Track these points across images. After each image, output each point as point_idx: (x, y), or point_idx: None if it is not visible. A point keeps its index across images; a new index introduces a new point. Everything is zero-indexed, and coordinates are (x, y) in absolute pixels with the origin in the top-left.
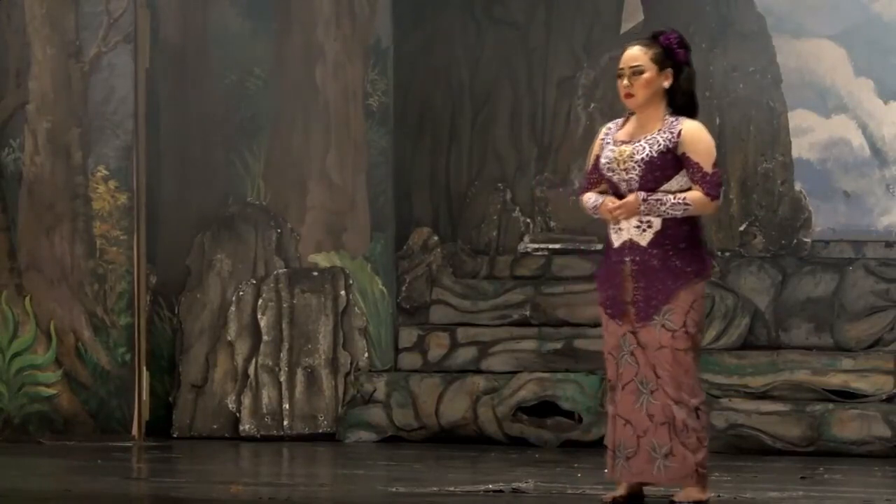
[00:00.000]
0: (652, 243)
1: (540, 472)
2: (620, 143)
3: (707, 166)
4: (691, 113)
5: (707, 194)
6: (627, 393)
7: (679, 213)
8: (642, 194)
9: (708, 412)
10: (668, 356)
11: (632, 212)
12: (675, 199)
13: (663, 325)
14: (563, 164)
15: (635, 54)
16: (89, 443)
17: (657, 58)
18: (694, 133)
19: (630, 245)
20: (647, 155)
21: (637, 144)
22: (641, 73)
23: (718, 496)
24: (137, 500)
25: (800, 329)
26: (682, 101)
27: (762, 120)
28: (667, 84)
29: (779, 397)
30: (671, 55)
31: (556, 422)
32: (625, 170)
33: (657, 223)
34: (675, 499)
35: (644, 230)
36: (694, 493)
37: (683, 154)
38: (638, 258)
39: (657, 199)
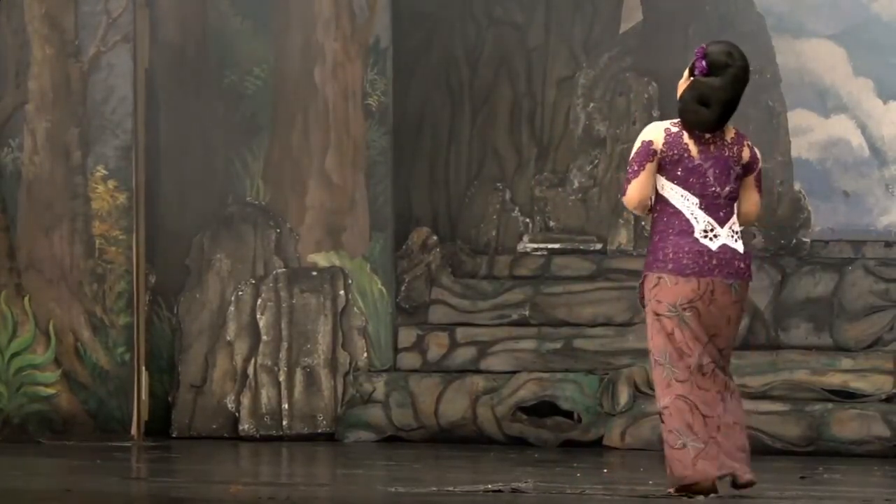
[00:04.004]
0: None
1: (539, 472)
2: None
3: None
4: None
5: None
6: None
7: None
8: None
9: (678, 416)
10: None
11: None
12: None
13: None
14: (562, 163)
15: None
16: (89, 443)
17: (690, 66)
18: None
19: None
20: None
21: None
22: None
23: (719, 496)
24: (137, 500)
25: (799, 329)
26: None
27: (761, 120)
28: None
29: (778, 397)
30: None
31: (556, 422)
32: None
33: None
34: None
35: None
36: (670, 480)
37: None
38: None
39: None
